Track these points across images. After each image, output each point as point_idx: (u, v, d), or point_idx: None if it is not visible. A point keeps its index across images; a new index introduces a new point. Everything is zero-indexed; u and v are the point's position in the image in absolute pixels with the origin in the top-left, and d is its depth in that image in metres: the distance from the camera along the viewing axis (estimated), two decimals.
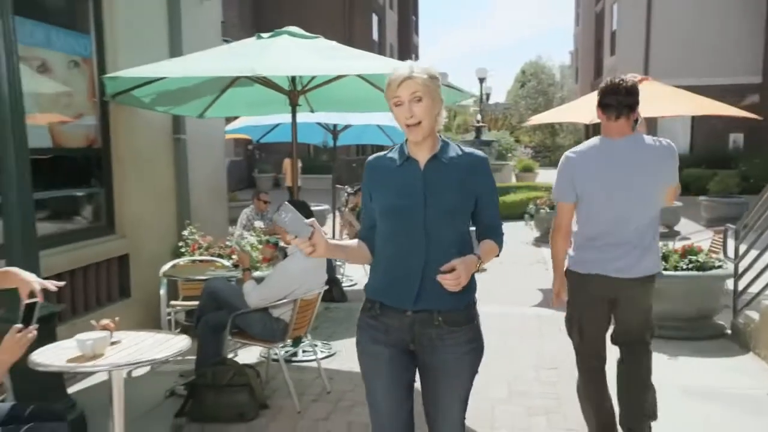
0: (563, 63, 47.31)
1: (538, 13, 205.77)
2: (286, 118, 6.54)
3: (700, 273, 5.20)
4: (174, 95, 5.26)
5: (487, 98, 23.13)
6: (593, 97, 3.62)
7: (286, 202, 1.87)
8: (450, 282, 1.93)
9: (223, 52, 4.72)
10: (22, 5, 3.58)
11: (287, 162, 12.41)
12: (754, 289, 5.12)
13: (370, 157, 2.25)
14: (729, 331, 5.27)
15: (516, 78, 46.31)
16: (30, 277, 2.52)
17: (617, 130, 2.95)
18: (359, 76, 4.64)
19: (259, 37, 4.67)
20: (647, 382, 3.16)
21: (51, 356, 2.53)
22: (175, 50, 5.78)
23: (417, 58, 38.26)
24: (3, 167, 3.06)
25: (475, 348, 2.17)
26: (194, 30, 6.15)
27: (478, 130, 15.62)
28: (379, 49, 26.38)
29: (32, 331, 2.32)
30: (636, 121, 3.04)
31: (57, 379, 3.28)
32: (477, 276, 2.12)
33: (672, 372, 4.47)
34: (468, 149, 2.21)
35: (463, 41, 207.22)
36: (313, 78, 4.95)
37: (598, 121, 3.08)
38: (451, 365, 2.13)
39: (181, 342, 2.70)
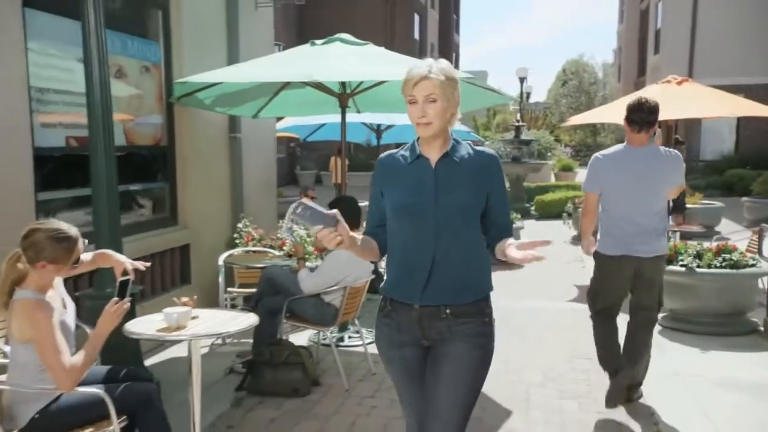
0: (606, 61, 46.76)
1: (579, 10, 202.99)
2: (330, 118, 6.95)
3: (734, 271, 5.35)
4: (232, 97, 5.66)
5: (527, 97, 23.12)
6: (643, 95, 4.27)
7: (301, 200, 1.91)
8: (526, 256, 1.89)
9: (282, 58, 5.09)
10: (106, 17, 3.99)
11: (333, 160, 12.92)
12: None
13: (382, 155, 2.26)
14: (762, 328, 5.40)
15: (557, 76, 45.95)
16: (123, 258, 2.92)
17: (638, 141, 3.72)
18: None
19: (313, 44, 5.02)
20: (649, 347, 3.95)
21: (142, 327, 2.92)
22: (233, 54, 6.19)
23: (458, 56, 38.34)
24: (94, 164, 3.48)
25: (484, 345, 2.15)
26: (249, 35, 6.55)
27: (518, 129, 15.74)
28: (420, 48, 26.64)
29: (126, 304, 2.72)
30: (654, 134, 3.77)
31: (136, 351, 3.69)
32: (512, 273, 2.31)
33: (703, 365, 4.66)
34: (479, 148, 2.21)
35: (504, 39, 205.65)
36: (361, 81, 5.28)
37: None
38: (458, 356, 2.11)
39: (250, 318, 3.07)
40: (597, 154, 3.85)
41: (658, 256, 3.72)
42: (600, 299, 3.92)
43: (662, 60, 21.13)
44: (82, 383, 2.59)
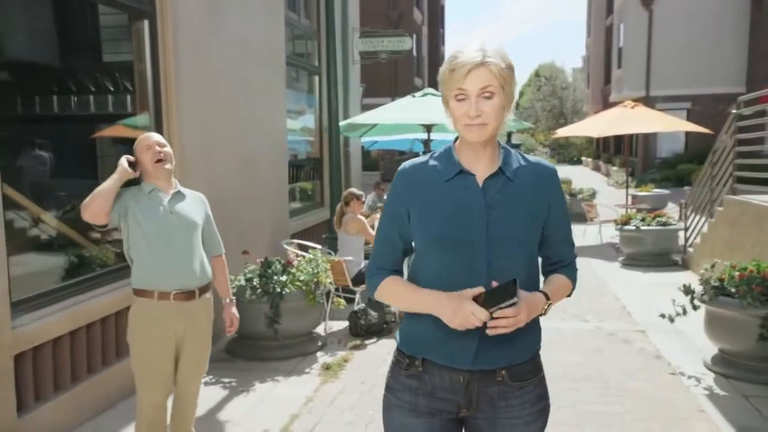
0: (575, 66, 50.81)
1: (548, 13, 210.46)
2: (386, 137, 10.79)
3: (663, 227, 8.95)
4: (352, 127, 9.06)
5: (516, 107, 26.78)
6: (606, 115, 8.02)
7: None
8: (505, 323, 1.53)
9: (401, 106, 8.40)
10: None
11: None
12: (693, 237, 8.88)
13: (405, 164, 1.76)
14: (680, 262, 8.99)
15: (530, 79, 49.83)
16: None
17: None
18: None
19: (414, 96, 8.42)
20: None
21: None
22: (346, 95, 9.59)
23: None
24: (330, 163, 6.88)
25: (543, 409, 1.76)
26: (352, 81, 9.98)
27: (509, 135, 19.31)
28: (418, 64, 30.14)
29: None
30: None
31: None
32: None
33: (645, 278, 8.22)
34: (534, 159, 1.75)
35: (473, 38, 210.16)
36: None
37: (606, 135, 7.82)
38: None
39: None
40: None
41: None
42: None
43: (624, 74, 24.93)
44: None
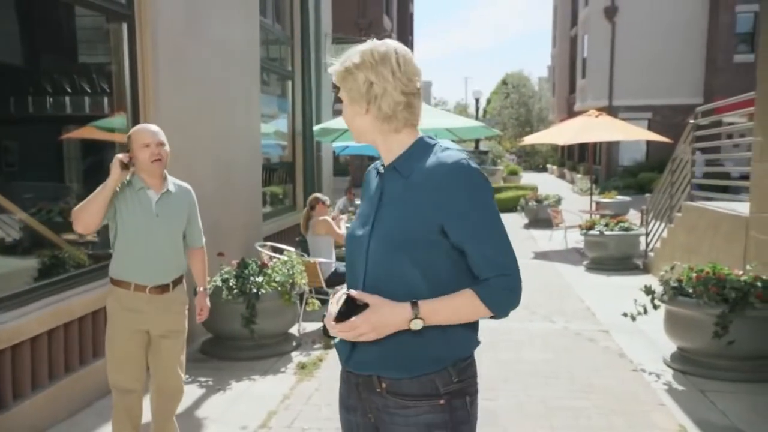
0: (541, 75, 51.71)
1: (513, 20, 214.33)
2: (352, 143, 10.72)
3: (625, 232, 9.26)
4: (323, 131, 9.16)
5: (484, 114, 27.25)
6: (572, 123, 8.07)
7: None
8: (340, 329, 1.48)
9: None
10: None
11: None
12: (654, 241, 9.20)
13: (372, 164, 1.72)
14: (641, 266, 9.31)
15: (498, 87, 50.52)
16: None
17: None
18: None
19: None
20: None
21: None
22: (318, 101, 9.69)
23: None
24: (301, 168, 6.97)
25: None
26: (324, 87, 10.07)
27: (477, 142, 19.61)
28: None
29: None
30: None
31: None
32: None
33: (609, 280, 8.51)
34: (445, 153, 1.52)
35: (443, 45, 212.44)
36: None
37: (571, 143, 7.51)
38: None
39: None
40: None
41: None
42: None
43: (588, 84, 25.56)
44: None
